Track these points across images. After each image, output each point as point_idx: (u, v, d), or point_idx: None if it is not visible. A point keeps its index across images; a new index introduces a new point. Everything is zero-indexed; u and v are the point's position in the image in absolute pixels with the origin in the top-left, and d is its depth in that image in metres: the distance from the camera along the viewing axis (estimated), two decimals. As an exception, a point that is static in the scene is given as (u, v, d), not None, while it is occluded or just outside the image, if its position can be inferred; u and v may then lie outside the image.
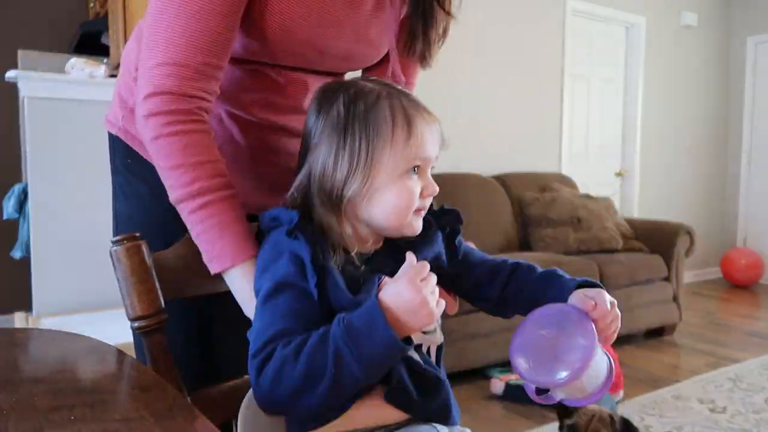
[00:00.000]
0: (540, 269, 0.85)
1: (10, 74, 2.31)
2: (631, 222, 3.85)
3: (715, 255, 5.39)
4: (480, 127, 3.86)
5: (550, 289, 0.80)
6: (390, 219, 0.73)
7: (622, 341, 3.42)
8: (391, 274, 0.69)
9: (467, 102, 3.82)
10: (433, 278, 0.68)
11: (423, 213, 0.76)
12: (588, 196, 3.78)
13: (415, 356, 0.76)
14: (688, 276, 5.07)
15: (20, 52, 2.34)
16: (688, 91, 5.15)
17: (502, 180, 3.80)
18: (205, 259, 0.80)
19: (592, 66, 4.61)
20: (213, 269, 0.80)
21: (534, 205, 3.69)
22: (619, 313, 0.75)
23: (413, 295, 0.64)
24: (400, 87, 0.77)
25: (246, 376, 0.89)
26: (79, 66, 2.35)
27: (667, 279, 3.59)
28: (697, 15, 5.10)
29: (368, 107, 0.72)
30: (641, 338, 3.51)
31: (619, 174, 4.85)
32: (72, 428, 0.48)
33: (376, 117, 0.71)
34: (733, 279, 5.07)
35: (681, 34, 5.06)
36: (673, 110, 5.07)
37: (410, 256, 0.69)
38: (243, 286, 0.79)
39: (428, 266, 0.68)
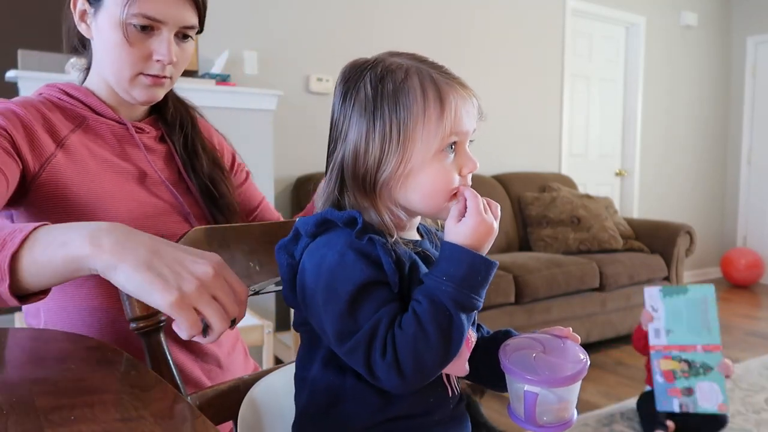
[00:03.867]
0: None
1: (10, 74, 2.31)
2: (631, 222, 3.85)
3: (715, 255, 5.39)
4: (479, 127, 3.85)
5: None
6: (427, 202, 0.70)
7: (623, 341, 3.42)
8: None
9: (467, 102, 3.81)
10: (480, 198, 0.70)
11: None
12: (588, 196, 3.78)
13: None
14: (688, 276, 5.07)
15: (20, 52, 2.33)
16: (688, 91, 5.15)
17: (502, 180, 3.80)
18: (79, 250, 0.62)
19: (592, 66, 4.61)
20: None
21: (534, 205, 3.69)
22: None
23: (486, 226, 0.67)
24: (431, 60, 0.74)
25: (245, 376, 0.89)
26: (79, 66, 2.34)
27: (667, 279, 3.59)
28: (697, 15, 5.10)
29: (397, 85, 0.69)
30: (641, 338, 3.51)
31: (619, 174, 4.85)
32: (72, 428, 0.48)
33: (406, 95, 0.68)
34: (733, 279, 5.07)
35: (681, 34, 5.06)
36: (673, 110, 5.06)
37: (468, 191, 0.69)
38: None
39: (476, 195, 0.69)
